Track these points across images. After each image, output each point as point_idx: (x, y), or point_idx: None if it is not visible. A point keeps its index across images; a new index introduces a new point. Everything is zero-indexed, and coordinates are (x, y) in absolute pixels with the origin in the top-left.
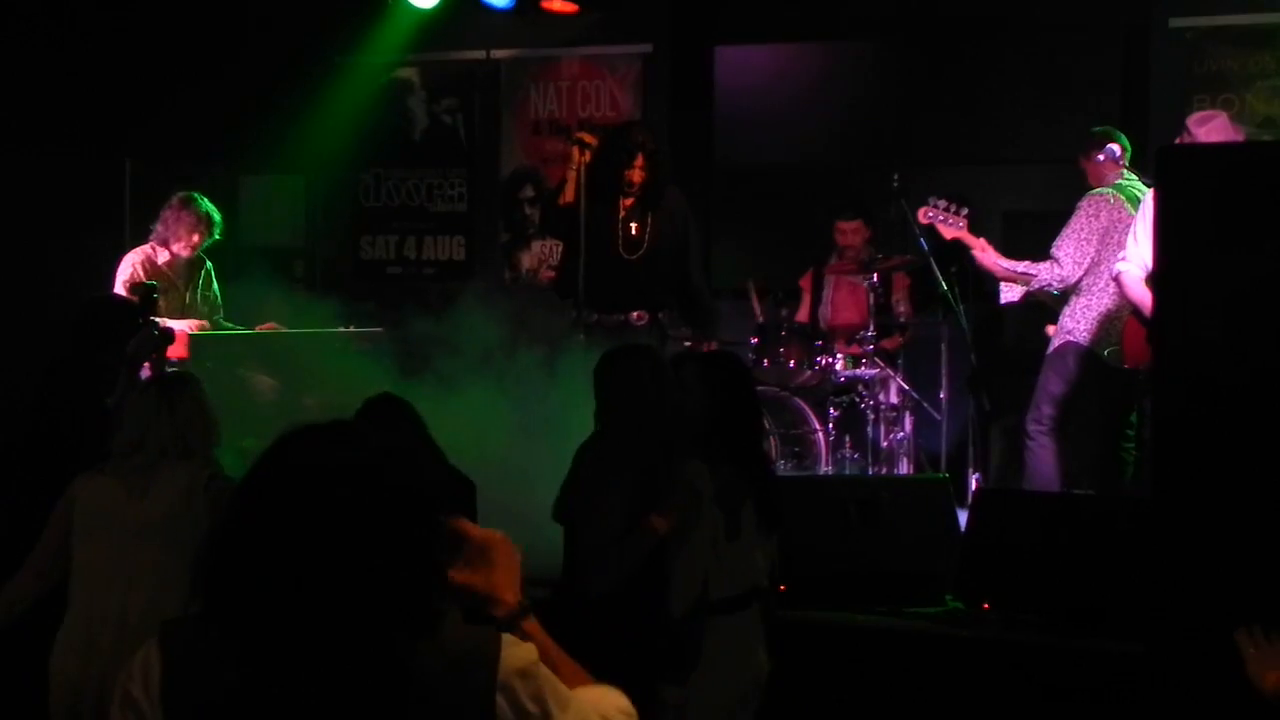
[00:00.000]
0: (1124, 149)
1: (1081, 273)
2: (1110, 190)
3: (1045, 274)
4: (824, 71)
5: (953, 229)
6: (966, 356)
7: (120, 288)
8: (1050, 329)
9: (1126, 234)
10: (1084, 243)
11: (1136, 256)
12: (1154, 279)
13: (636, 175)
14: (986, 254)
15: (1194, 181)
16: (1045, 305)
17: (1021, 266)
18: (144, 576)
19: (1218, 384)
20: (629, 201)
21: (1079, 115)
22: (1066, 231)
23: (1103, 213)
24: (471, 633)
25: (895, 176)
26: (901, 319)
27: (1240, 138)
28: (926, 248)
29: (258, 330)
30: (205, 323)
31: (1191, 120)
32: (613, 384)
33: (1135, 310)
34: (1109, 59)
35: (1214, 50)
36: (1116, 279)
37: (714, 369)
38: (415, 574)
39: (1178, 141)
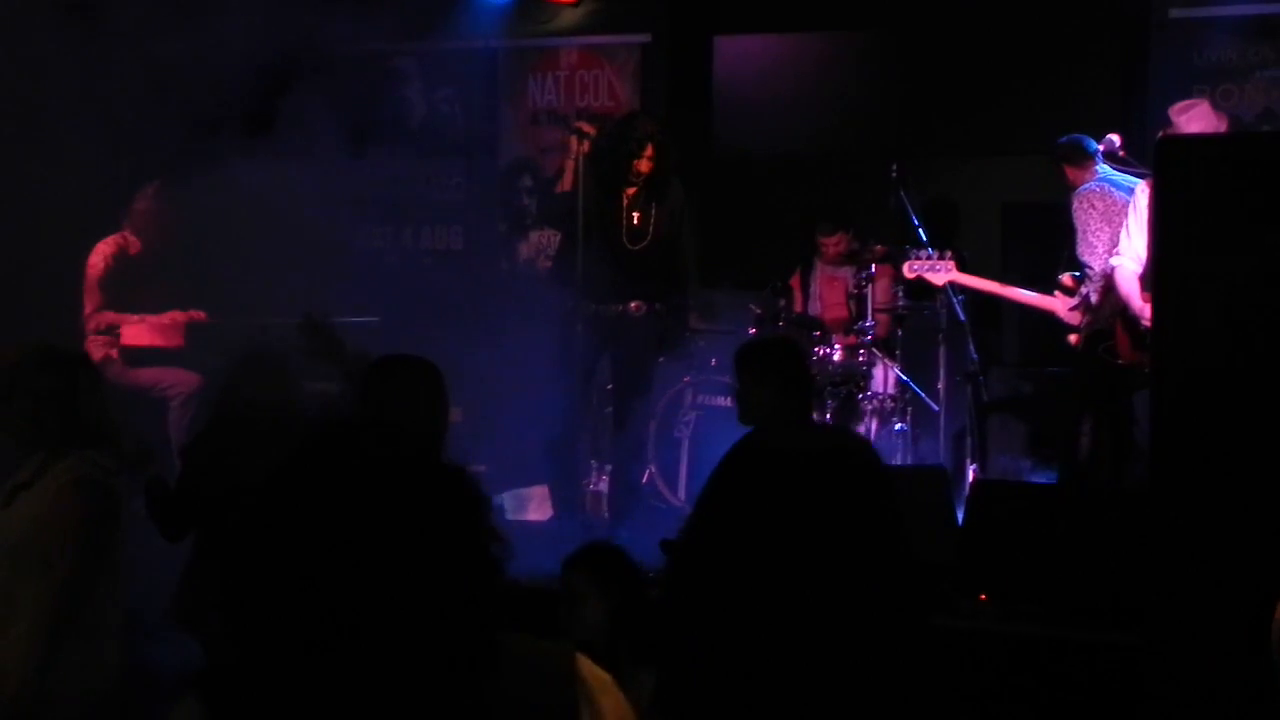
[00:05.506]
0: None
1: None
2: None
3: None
4: (823, 62)
5: (942, 274)
6: (965, 347)
7: (89, 279)
8: (1073, 338)
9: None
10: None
11: (1130, 251)
12: (1151, 271)
13: (645, 165)
14: (1009, 290)
15: (1192, 173)
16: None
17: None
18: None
19: (1216, 376)
20: (633, 191)
21: (1078, 106)
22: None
23: (1098, 203)
24: (544, 647)
25: (894, 167)
26: (890, 307)
27: (1223, 125)
28: (925, 237)
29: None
30: (180, 314)
31: (1173, 110)
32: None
33: (1123, 310)
34: (1108, 50)
35: (1213, 41)
36: (1111, 274)
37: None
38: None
39: (1161, 135)
